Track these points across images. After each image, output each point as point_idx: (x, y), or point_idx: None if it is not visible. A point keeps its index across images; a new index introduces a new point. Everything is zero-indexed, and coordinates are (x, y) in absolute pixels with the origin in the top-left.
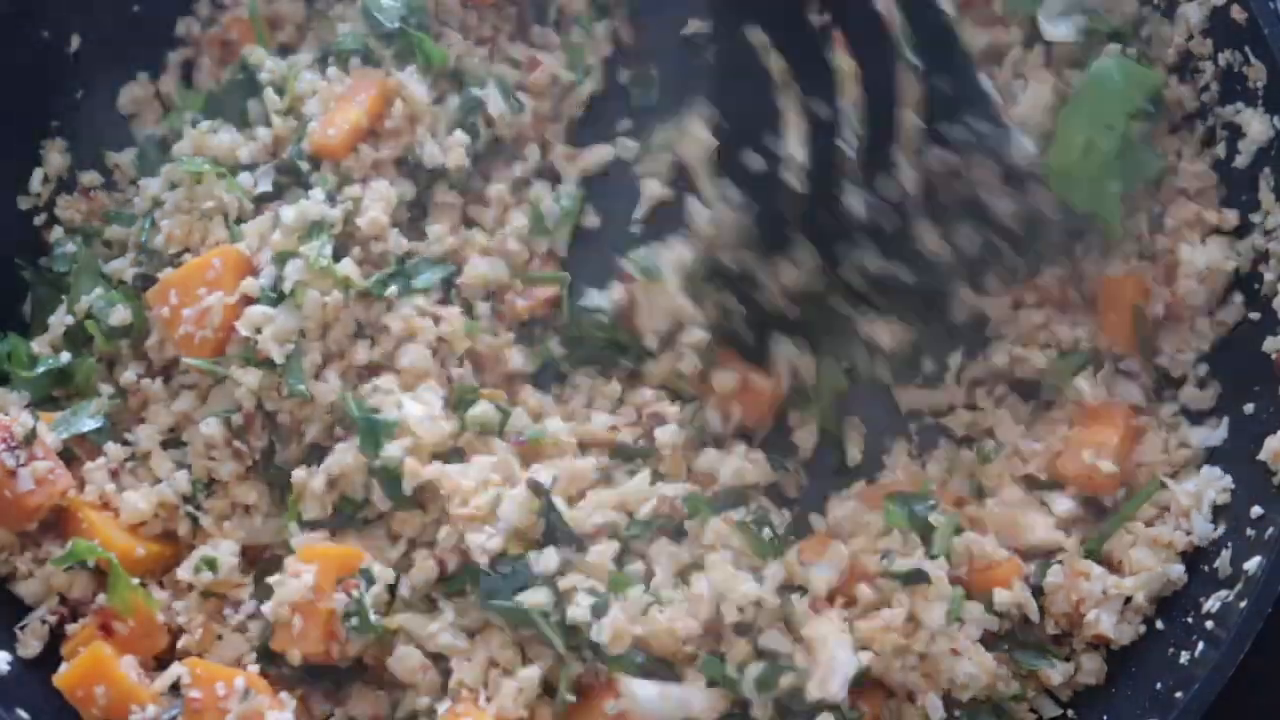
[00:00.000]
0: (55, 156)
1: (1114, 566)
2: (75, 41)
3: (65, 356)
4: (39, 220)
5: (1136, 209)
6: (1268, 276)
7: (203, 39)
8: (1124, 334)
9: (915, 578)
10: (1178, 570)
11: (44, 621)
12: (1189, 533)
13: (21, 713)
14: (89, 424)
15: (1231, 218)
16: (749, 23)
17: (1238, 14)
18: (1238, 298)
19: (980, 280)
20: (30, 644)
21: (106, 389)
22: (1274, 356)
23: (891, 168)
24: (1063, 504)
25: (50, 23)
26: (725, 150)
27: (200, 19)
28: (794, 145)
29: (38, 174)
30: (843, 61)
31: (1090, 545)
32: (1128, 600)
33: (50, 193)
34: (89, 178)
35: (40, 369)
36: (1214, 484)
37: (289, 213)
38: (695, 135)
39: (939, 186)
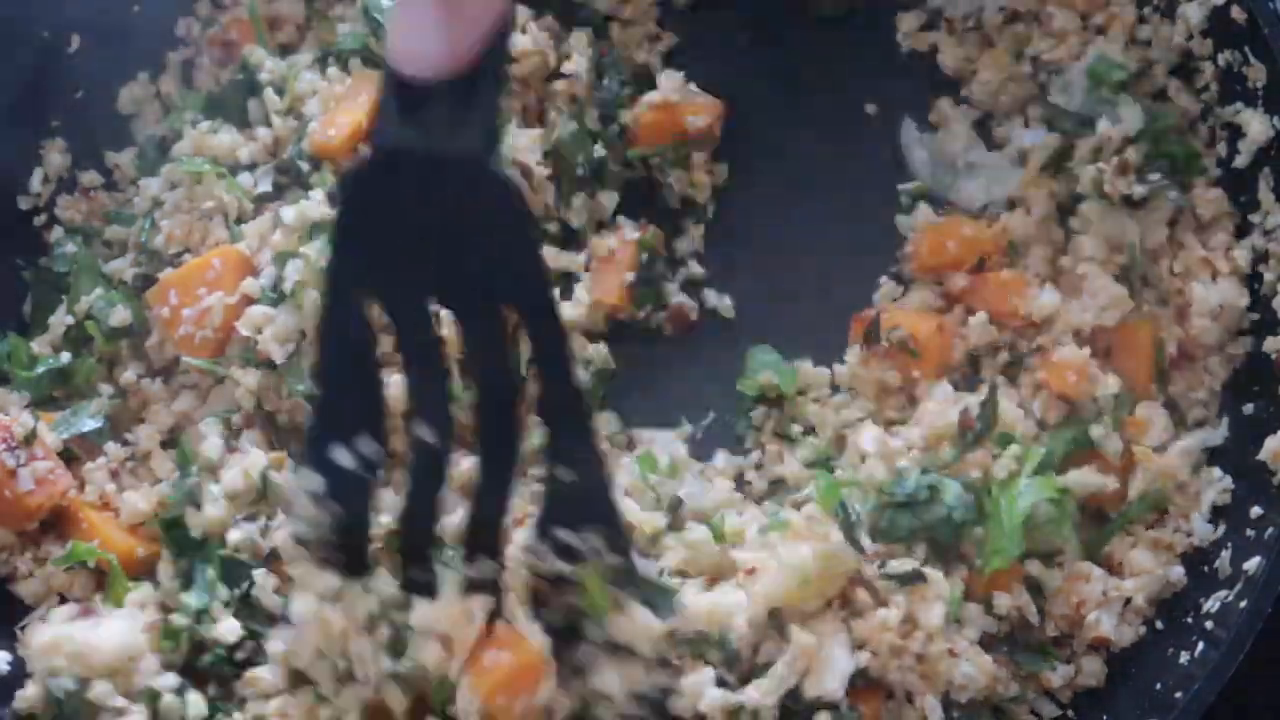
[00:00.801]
0: (55, 156)
1: (1114, 569)
2: (75, 41)
3: (65, 357)
4: (39, 220)
5: (1153, 254)
6: (1268, 276)
7: (203, 39)
8: (1142, 378)
9: (912, 578)
10: (1178, 572)
11: (44, 621)
12: (1189, 534)
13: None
14: (89, 424)
15: (1243, 259)
16: (367, 298)
17: (1238, 14)
18: (1267, 275)
19: None
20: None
21: (106, 389)
22: (1274, 356)
23: (492, 546)
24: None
25: (50, 23)
26: (317, 433)
27: (200, 19)
28: (389, 500)
29: (38, 174)
30: (459, 389)
31: (1090, 547)
32: (1127, 602)
33: (50, 193)
34: (89, 178)
35: (40, 369)
36: (1214, 485)
37: (289, 213)
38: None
39: (547, 593)
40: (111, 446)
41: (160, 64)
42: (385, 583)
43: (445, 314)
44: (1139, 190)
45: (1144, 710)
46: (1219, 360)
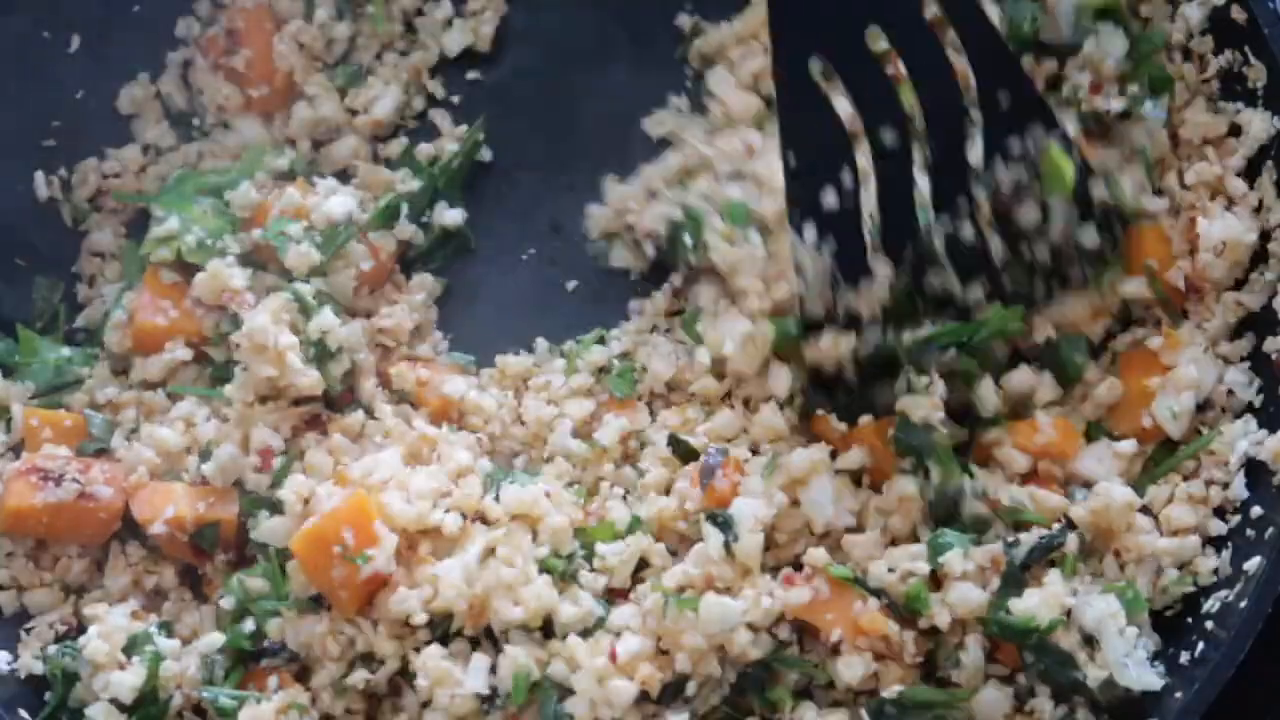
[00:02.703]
0: (56, 157)
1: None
2: (75, 41)
3: (74, 353)
4: (39, 220)
5: (1161, 165)
6: (1268, 276)
7: (203, 39)
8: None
9: None
10: (1218, 525)
11: (51, 626)
12: (1226, 486)
13: (23, 713)
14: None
15: (1237, 187)
16: (811, 53)
17: (1238, 14)
18: (1267, 274)
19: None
20: (33, 646)
21: (111, 390)
22: (1274, 356)
23: (961, 193)
24: (1123, 444)
25: (50, 23)
26: (801, 190)
27: (200, 19)
28: (867, 177)
29: (38, 174)
30: (906, 89)
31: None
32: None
33: (52, 192)
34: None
35: (46, 363)
36: (1247, 436)
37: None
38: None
39: (1007, 203)
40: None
41: (160, 64)
42: (885, 275)
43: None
44: (1115, 105)
45: (1144, 710)
46: (1232, 300)
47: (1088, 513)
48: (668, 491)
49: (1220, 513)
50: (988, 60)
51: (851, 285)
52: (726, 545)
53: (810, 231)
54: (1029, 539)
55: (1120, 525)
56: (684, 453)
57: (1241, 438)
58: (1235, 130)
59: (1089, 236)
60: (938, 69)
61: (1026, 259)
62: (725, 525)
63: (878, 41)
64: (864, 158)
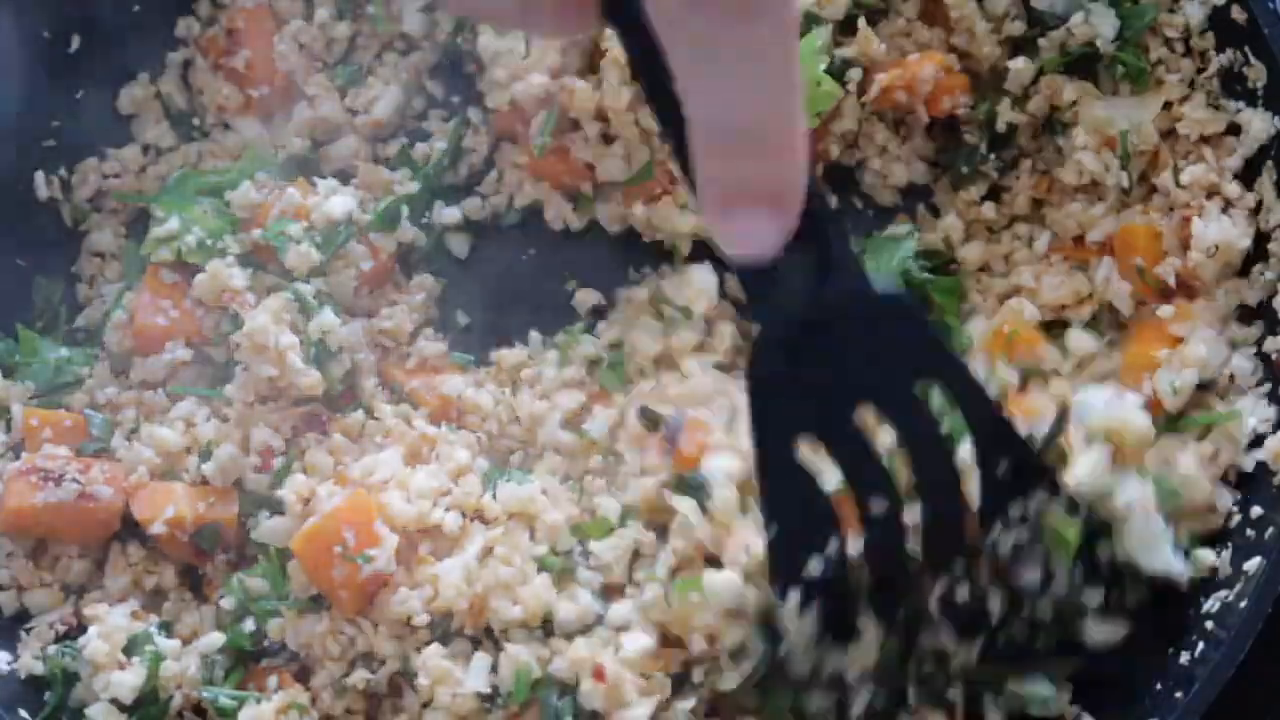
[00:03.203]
0: (56, 157)
1: None
2: (75, 41)
3: (74, 353)
4: (39, 220)
5: (1153, 158)
6: (1267, 275)
7: (203, 39)
8: (1142, 282)
9: None
10: (1226, 500)
11: (51, 627)
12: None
13: (22, 713)
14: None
15: (1233, 191)
16: (797, 434)
17: (1238, 14)
18: (1267, 273)
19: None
20: (33, 646)
21: (111, 390)
22: (1274, 357)
23: (956, 554)
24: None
25: (50, 23)
26: (786, 560)
27: (200, 19)
28: (855, 547)
29: (38, 174)
30: (898, 459)
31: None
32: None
33: (52, 192)
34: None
35: (46, 363)
36: (1257, 410)
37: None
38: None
39: (1006, 564)
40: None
41: (160, 64)
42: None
43: (869, 411)
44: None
45: (1144, 710)
46: (1220, 301)
47: None
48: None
49: (1225, 481)
50: (985, 428)
51: (840, 646)
52: (703, 507)
53: (794, 597)
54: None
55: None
56: (654, 423)
57: (1250, 414)
58: (1234, 129)
59: (1093, 599)
60: (930, 439)
61: (1026, 615)
62: (697, 488)
63: (867, 416)
64: (853, 532)
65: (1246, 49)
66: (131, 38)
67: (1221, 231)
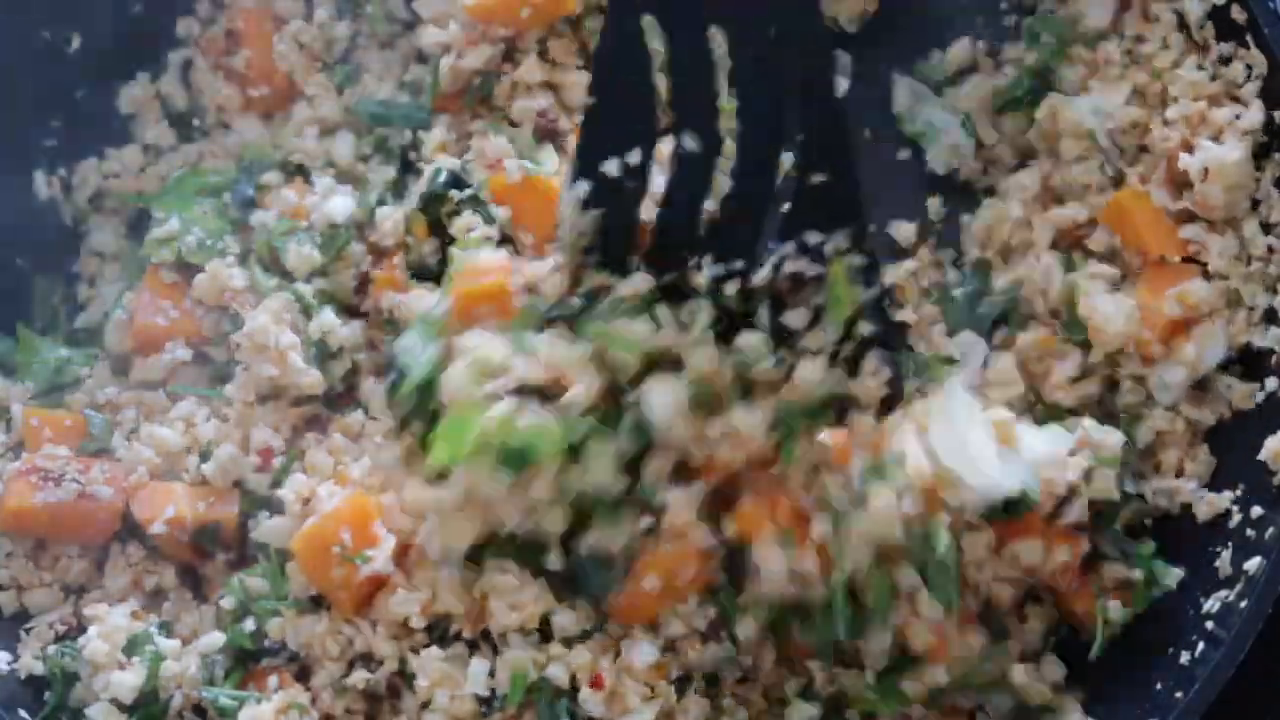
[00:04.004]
0: (56, 157)
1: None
2: (75, 41)
3: (74, 353)
4: (39, 220)
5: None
6: (1271, 269)
7: (203, 39)
8: (1152, 242)
9: None
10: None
11: (51, 627)
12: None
13: (22, 713)
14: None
15: (1225, 115)
16: (646, 11)
17: (1238, 14)
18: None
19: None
20: (33, 646)
21: (111, 390)
22: (1274, 358)
23: (743, 250)
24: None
25: (50, 23)
26: (588, 145)
27: (200, 19)
28: (657, 172)
29: (38, 174)
30: (728, 114)
31: None
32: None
33: (52, 192)
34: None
35: (46, 363)
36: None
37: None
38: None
39: (787, 289)
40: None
41: (160, 64)
42: (641, 280)
43: (716, 30)
44: None
45: (1144, 710)
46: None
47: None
48: None
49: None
50: (819, 139)
51: (605, 272)
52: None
53: (583, 186)
54: None
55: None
56: None
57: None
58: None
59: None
60: (763, 115)
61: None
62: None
63: (718, 45)
64: (664, 149)
65: (1249, 43)
66: (131, 38)
67: (1206, 155)
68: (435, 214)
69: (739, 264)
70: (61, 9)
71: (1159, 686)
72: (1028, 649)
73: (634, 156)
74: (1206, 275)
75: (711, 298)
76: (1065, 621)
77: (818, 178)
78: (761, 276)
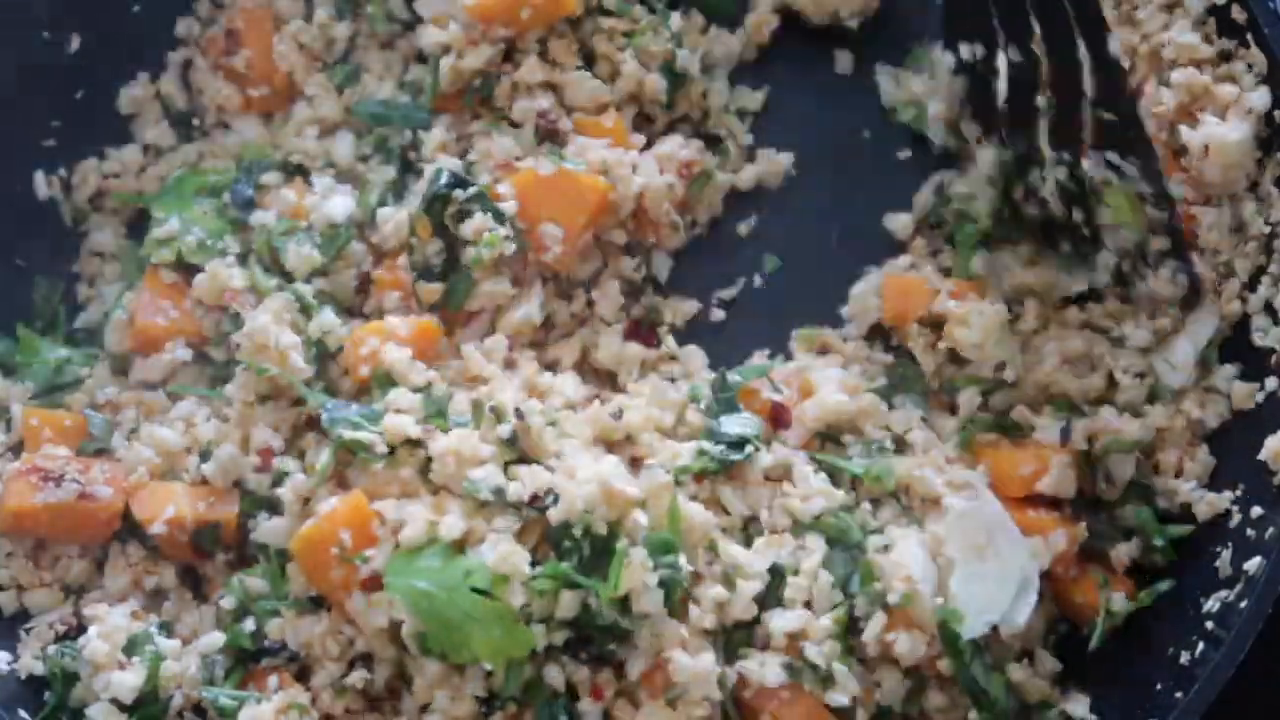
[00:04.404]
0: (56, 157)
1: None
2: (75, 41)
3: (74, 353)
4: (39, 220)
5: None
6: (1272, 268)
7: (203, 39)
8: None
9: None
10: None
11: (51, 627)
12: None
13: (22, 713)
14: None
15: (1229, 92)
16: None
17: (1238, 14)
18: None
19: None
20: (33, 646)
21: (111, 390)
22: (1274, 358)
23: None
24: None
25: (50, 23)
26: (951, 28)
27: (200, 19)
28: (1002, 62)
29: (38, 174)
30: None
31: None
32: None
33: (52, 192)
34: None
35: (46, 363)
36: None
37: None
38: None
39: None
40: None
41: (160, 64)
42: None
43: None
44: None
45: (1144, 710)
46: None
47: None
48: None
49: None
50: (1105, 85)
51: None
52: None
53: (948, 55)
54: None
55: None
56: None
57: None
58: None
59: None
60: (1065, 50)
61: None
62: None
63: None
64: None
65: (1249, 42)
66: (131, 38)
67: (1209, 132)
68: (439, 215)
69: (1066, 155)
70: (61, 9)
71: (1159, 686)
72: (1026, 645)
73: (979, 50)
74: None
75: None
76: (1064, 615)
77: (1108, 116)
78: (1087, 167)
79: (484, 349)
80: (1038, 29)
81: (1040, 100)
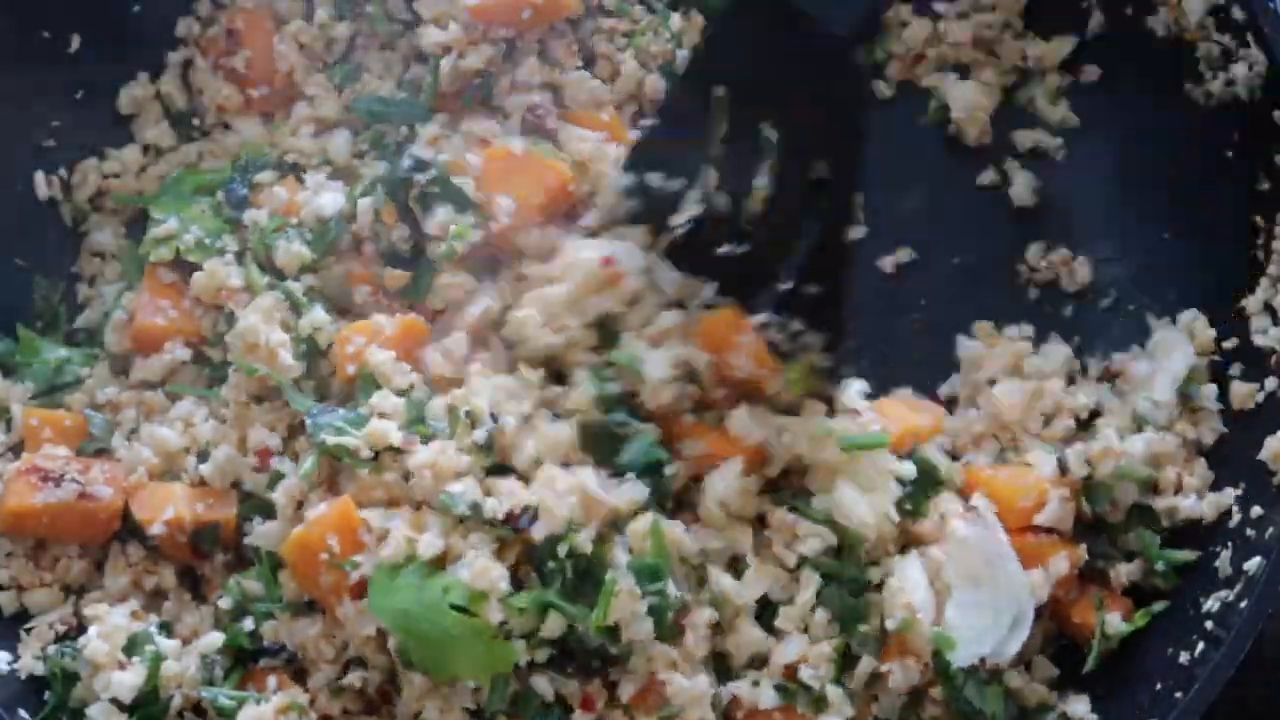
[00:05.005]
0: (56, 157)
1: None
2: (75, 41)
3: (74, 353)
4: (39, 220)
5: None
6: (1271, 269)
7: (203, 39)
8: None
9: None
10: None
11: (51, 627)
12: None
13: (22, 713)
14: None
15: None
16: (719, 83)
17: (1238, 14)
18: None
19: None
20: (33, 646)
21: (111, 390)
22: (1274, 359)
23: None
24: None
25: (50, 23)
26: (642, 150)
27: (200, 19)
28: (693, 199)
29: (38, 174)
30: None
31: None
32: None
33: (52, 192)
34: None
35: (46, 363)
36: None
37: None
38: None
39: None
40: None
41: (160, 64)
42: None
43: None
44: None
45: (1144, 710)
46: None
47: None
48: None
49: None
50: (822, 258)
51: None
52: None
53: (629, 179)
54: None
55: None
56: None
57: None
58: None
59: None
60: (782, 217)
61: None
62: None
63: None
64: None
65: (1249, 42)
66: (131, 38)
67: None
68: (403, 199)
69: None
70: (61, 9)
71: (1159, 686)
72: (1024, 655)
73: (672, 186)
74: None
75: None
76: (1063, 632)
77: (813, 289)
78: (757, 319)
79: (443, 348)
80: (764, 184)
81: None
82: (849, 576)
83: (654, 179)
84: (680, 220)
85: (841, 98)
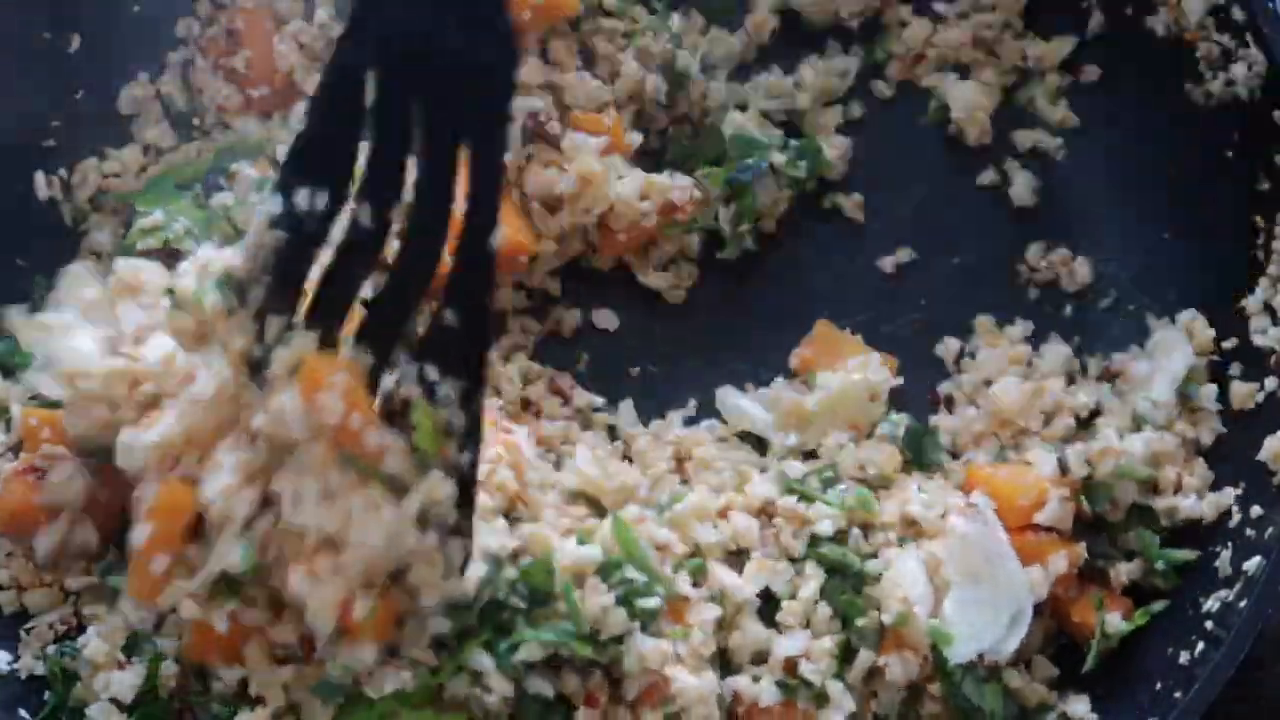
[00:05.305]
0: (56, 157)
1: None
2: (75, 41)
3: None
4: (39, 220)
5: None
6: (1271, 269)
7: (203, 39)
8: None
9: None
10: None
11: (51, 627)
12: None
13: (22, 713)
14: None
15: None
16: (374, 67)
17: (1238, 14)
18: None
19: None
20: (33, 646)
21: None
22: (1274, 359)
23: (386, 343)
24: None
25: (50, 23)
26: (291, 169)
27: (200, 19)
28: (338, 229)
29: (38, 174)
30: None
31: None
32: None
33: (52, 192)
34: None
35: None
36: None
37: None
38: None
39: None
40: None
41: (160, 64)
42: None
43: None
44: None
45: (1144, 710)
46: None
47: None
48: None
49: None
50: (465, 281)
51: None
52: None
53: (277, 204)
54: None
55: None
56: None
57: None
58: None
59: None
60: (429, 232)
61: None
62: None
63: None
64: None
65: (1247, 41)
66: (131, 38)
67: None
68: None
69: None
70: (61, 9)
71: (1159, 686)
72: (1023, 654)
73: (321, 201)
74: None
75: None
76: (1062, 631)
77: (452, 320)
78: (386, 384)
79: None
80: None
81: (369, 284)
82: (852, 570)
83: (301, 198)
84: (315, 274)
85: (488, 63)
